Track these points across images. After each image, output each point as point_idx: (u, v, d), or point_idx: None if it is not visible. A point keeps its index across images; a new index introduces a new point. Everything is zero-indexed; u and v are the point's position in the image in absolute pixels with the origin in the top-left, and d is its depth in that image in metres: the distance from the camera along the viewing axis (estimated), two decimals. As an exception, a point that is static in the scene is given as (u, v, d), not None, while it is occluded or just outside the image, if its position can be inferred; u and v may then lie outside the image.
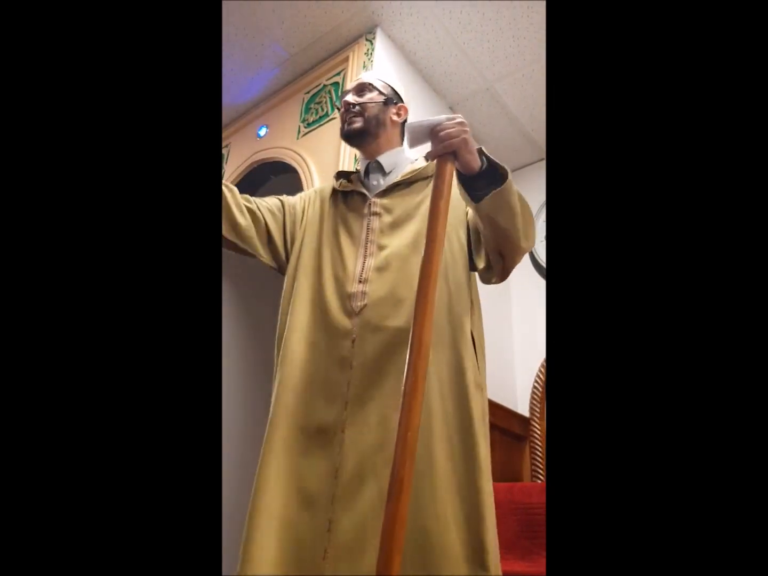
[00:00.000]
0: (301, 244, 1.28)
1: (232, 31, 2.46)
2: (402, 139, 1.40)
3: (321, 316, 1.16)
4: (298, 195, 1.44)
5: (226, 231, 1.22)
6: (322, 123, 2.42)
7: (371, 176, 1.35)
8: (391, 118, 1.36)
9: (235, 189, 1.31)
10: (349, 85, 1.41)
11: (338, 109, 1.42)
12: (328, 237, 1.28)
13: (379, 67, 2.31)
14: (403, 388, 0.83)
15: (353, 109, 1.33)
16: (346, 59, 2.45)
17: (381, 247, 1.20)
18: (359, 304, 1.14)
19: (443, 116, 1.00)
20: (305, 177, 2.31)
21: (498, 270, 1.14)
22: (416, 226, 1.20)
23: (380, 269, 1.17)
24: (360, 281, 1.16)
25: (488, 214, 1.03)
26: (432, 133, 0.98)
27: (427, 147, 1.01)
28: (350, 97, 1.35)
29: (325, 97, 2.49)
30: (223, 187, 1.25)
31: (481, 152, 1.02)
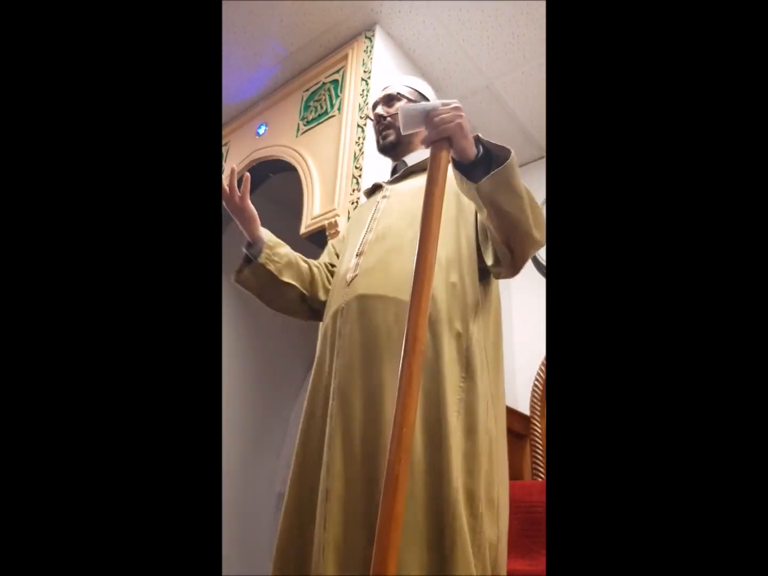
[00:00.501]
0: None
1: (231, 29, 2.45)
2: None
3: (333, 298, 1.19)
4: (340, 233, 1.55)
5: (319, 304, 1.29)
6: (321, 121, 2.42)
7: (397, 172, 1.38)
8: None
9: (320, 265, 1.36)
10: (378, 94, 1.42)
11: (370, 119, 1.44)
12: (350, 235, 1.32)
13: (382, 62, 2.31)
14: (398, 385, 0.81)
15: (384, 122, 1.35)
16: (346, 57, 2.45)
17: (381, 224, 1.22)
18: (351, 275, 1.15)
19: (438, 101, 0.98)
20: (304, 175, 2.30)
21: (507, 264, 1.07)
22: (417, 202, 1.17)
23: (374, 242, 1.18)
24: (357, 255, 1.18)
25: (489, 195, 0.96)
26: (427, 117, 0.95)
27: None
28: (380, 109, 1.36)
29: (324, 94, 2.49)
30: (312, 266, 1.32)
31: (478, 140, 0.99)
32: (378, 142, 1.38)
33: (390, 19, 2.38)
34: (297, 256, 1.30)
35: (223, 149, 2.88)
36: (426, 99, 1.40)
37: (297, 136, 2.50)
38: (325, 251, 1.45)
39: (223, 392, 2.82)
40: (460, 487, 0.91)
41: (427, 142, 0.96)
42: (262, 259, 1.23)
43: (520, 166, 3.09)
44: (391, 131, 1.34)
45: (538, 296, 2.66)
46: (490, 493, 0.98)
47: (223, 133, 2.93)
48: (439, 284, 1.05)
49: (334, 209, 2.08)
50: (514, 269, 1.09)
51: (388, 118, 1.34)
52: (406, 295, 0.91)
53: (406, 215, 1.18)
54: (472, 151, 0.96)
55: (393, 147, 1.35)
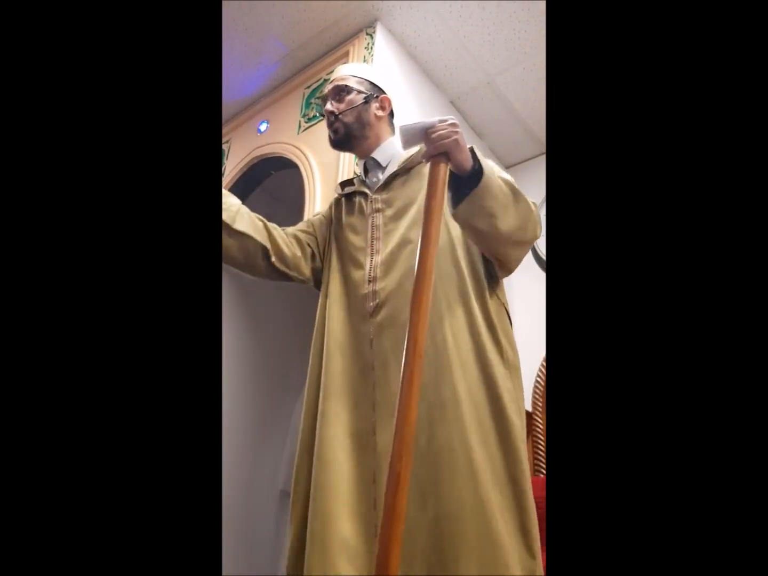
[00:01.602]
0: (330, 260, 1.31)
1: (232, 26, 2.45)
2: (392, 130, 1.40)
3: (349, 323, 1.18)
4: (318, 214, 1.48)
5: (279, 265, 1.26)
6: (322, 118, 2.42)
7: (370, 174, 1.35)
8: (375, 114, 1.35)
9: (277, 227, 1.34)
10: (327, 87, 1.39)
11: (321, 115, 1.43)
12: (345, 246, 1.29)
13: (381, 57, 2.30)
14: (400, 385, 0.83)
15: (332, 118, 1.33)
16: (347, 54, 2.44)
17: (386, 242, 1.20)
18: (371, 304, 1.15)
19: (435, 118, 1.01)
20: (306, 172, 2.30)
21: (498, 267, 1.16)
22: (418, 210, 1.19)
23: (387, 264, 1.17)
24: (369, 281, 1.17)
25: (465, 220, 1.05)
26: (425, 135, 1.00)
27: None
28: (330, 105, 1.34)
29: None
30: (270, 227, 1.29)
31: (472, 152, 1.03)
32: (330, 138, 1.36)
33: (391, 15, 2.38)
34: (249, 211, 1.27)
35: (225, 147, 2.88)
36: (377, 87, 1.37)
37: (298, 134, 2.49)
38: (304, 224, 1.41)
39: (226, 388, 2.83)
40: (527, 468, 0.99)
41: (426, 157, 1.01)
42: None
43: (522, 162, 3.10)
44: (339, 126, 1.32)
45: (540, 292, 2.66)
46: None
47: (225, 130, 2.93)
48: (472, 298, 1.12)
49: (336, 206, 2.08)
50: (506, 271, 1.18)
51: (338, 115, 1.31)
52: (433, 321, 1.04)
53: (408, 227, 1.18)
54: (469, 163, 1.02)
55: (343, 141, 1.33)
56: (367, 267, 1.19)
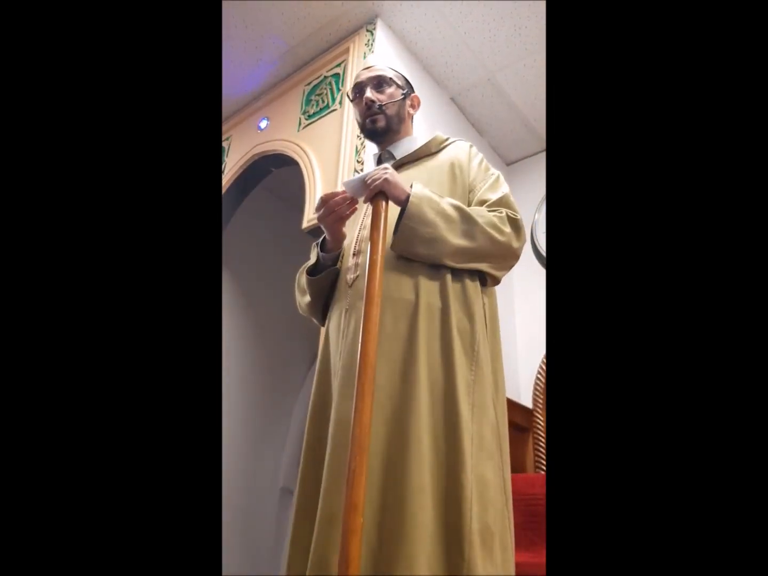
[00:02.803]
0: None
1: (232, 23, 2.45)
2: (412, 125, 1.43)
3: (338, 299, 1.22)
4: None
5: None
6: (323, 115, 2.41)
7: (383, 164, 1.36)
8: (408, 111, 1.40)
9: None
10: (363, 73, 1.39)
11: (348, 97, 1.43)
12: (348, 226, 1.32)
13: (383, 54, 2.30)
14: (354, 391, 0.88)
15: (375, 108, 1.33)
16: (347, 50, 2.44)
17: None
18: (351, 276, 1.19)
19: (372, 170, 1.15)
20: (306, 169, 2.30)
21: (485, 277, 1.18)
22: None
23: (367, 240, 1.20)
24: (353, 254, 1.21)
25: (403, 249, 1.11)
26: (364, 183, 1.13)
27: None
28: (370, 93, 1.34)
29: (325, 88, 2.48)
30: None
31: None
32: (364, 125, 1.36)
33: (391, 12, 2.37)
34: None
35: (225, 144, 2.88)
36: (410, 85, 1.41)
37: (298, 131, 2.49)
38: None
39: (227, 387, 2.83)
40: (473, 477, 0.96)
41: (366, 201, 1.13)
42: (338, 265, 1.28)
43: (522, 159, 3.10)
44: (381, 117, 1.33)
45: (541, 288, 2.66)
46: (502, 480, 1.03)
47: (225, 127, 2.93)
48: (447, 284, 1.12)
49: (336, 203, 2.08)
50: (493, 281, 1.20)
51: (382, 106, 1.33)
52: (404, 294, 1.09)
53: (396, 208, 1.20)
54: (404, 196, 1.12)
55: (382, 134, 1.35)
56: (354, 241, 1.24)
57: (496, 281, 1.21)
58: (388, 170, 1.13)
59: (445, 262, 1.12)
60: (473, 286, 1.15)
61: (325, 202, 1.19)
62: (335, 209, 1.19)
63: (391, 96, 1.35)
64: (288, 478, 2.91)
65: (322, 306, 1.30)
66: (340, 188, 1.94)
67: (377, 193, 1.11)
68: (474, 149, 1.36)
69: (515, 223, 1.16)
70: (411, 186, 1.13)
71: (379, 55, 2.31)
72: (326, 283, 1.26)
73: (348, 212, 1.20)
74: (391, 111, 1.34)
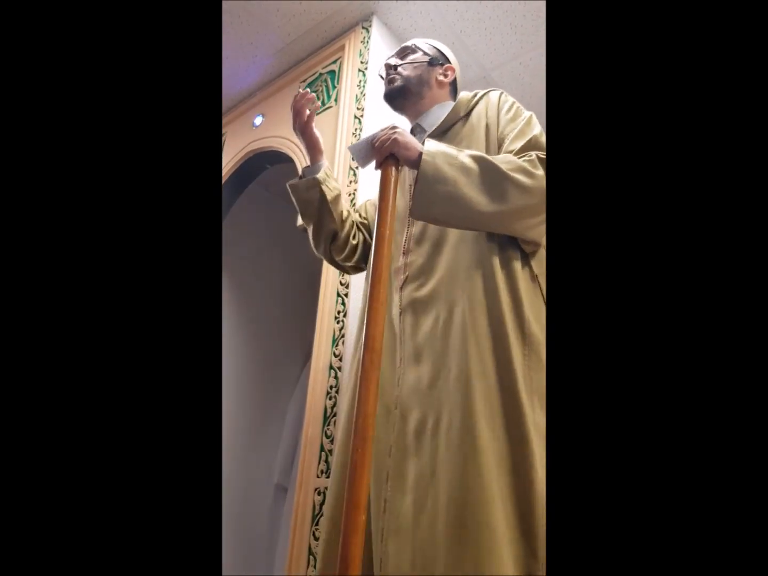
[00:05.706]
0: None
1: (227, 19, 2.43)
2: (453, 98, 1.38)
3: (389, 296, 1.17)
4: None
5: (334, 254, 1.33)
6: (318, 112, 2.41)
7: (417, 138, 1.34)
8: (437, 78, 1.35)
9: (352, 218, 1.37)
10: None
11: (381, 78, 1.42)
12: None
13: (379, 53, 2.29)
14: (357, 379, 0.83)
15: (393, 70, 1.33)
16: (342, 47, 2.43)
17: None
18: (402, 277, 1.14)
19: (378, 129, 1.07)
20: (301, 166, 2.29)
21: (520, 241, 1.07)
22: None
23: (418, 239, 1.16)
24: (404, 253, 1.16)
25: (423, 215, 1.02)
26: (371, 146, 1.05)
27: None
28: (392, 60, 1.34)
29: (321, 85, 2.47)
30: (350, 215, 1.34)
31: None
32: (385, 89, 1.35)
33: (387, 9, 2.37)
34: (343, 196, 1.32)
35: (220, 140, 2.87)
36: (445, 57, 1.38)
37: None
38: (360, 207, 1.46)
39: (224, 390, 2.82)
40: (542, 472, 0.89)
41: (377, 166, 1.04)
42: (320, 175, 1.25)
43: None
44: (396, 77, 1.32)
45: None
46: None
47: (220, 124, 2.91)
48: (496, 268, 1.03)
49: (331, 201, 2.08)
50: (531, 245, 1.07)
51: (399, 68, 1.33)
52: (454, 293, 1.02)
53: None
54: (416, 155, 1.01)
55: (398, 93, 1.33)
56: (403, 239, 1.18)
57: (537, 245, 1.07)
58: (397, 129, 1.04)
59: (472, 225, 1.01)
60: (516, 257, 1.05)
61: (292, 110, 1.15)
62: (298, 109, 1.15)
63: (412, 60, 1.33)
64: (282, 475, 2.91)
65: (324, 235, 1.28)
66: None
67: (387, 156, 1.02)
68: (504, 96, 1.30)
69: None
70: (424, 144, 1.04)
71: (378, 51, 2.30)
72: (310, 196, 1.25)
73: (313, 106, 1.17)
74: (407, 71, 1.32)
